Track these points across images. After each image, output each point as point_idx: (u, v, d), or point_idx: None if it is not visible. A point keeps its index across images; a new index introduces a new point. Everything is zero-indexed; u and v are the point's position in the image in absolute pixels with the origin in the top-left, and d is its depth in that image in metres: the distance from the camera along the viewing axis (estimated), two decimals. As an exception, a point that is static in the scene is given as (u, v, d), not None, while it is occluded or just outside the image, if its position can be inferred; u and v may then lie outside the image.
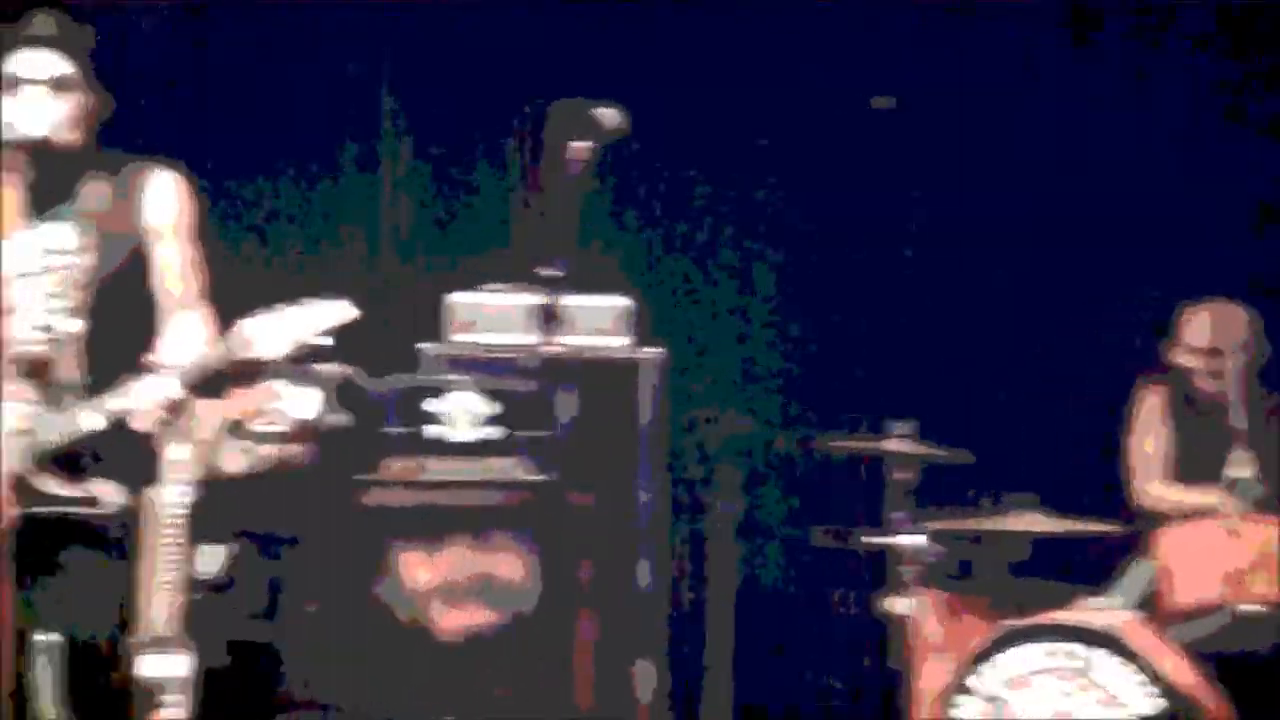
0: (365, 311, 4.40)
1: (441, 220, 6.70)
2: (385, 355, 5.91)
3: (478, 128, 6.64)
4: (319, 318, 4.37)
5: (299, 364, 4.58)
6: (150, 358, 4.42)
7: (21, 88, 4.47)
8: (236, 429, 5.55)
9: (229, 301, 4.59)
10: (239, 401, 5.55)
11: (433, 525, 5.63)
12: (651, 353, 6.03)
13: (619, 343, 6.03)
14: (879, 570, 5.77)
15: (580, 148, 4.29)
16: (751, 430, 6.30)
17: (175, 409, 4.44)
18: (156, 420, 4.43)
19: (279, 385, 5.57)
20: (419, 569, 5.66)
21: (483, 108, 6.59)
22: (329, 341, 4.37)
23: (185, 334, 4.50)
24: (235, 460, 5.55)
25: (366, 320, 4.43)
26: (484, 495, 5.70)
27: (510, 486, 5.73)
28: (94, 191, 4.55)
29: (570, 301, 5.85)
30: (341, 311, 4.38)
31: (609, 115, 4.32)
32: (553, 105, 4.26)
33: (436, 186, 6.70)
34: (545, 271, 4.17)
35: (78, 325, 4.51)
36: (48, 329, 4.50)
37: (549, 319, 4.21)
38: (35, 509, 4.38)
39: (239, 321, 4.40)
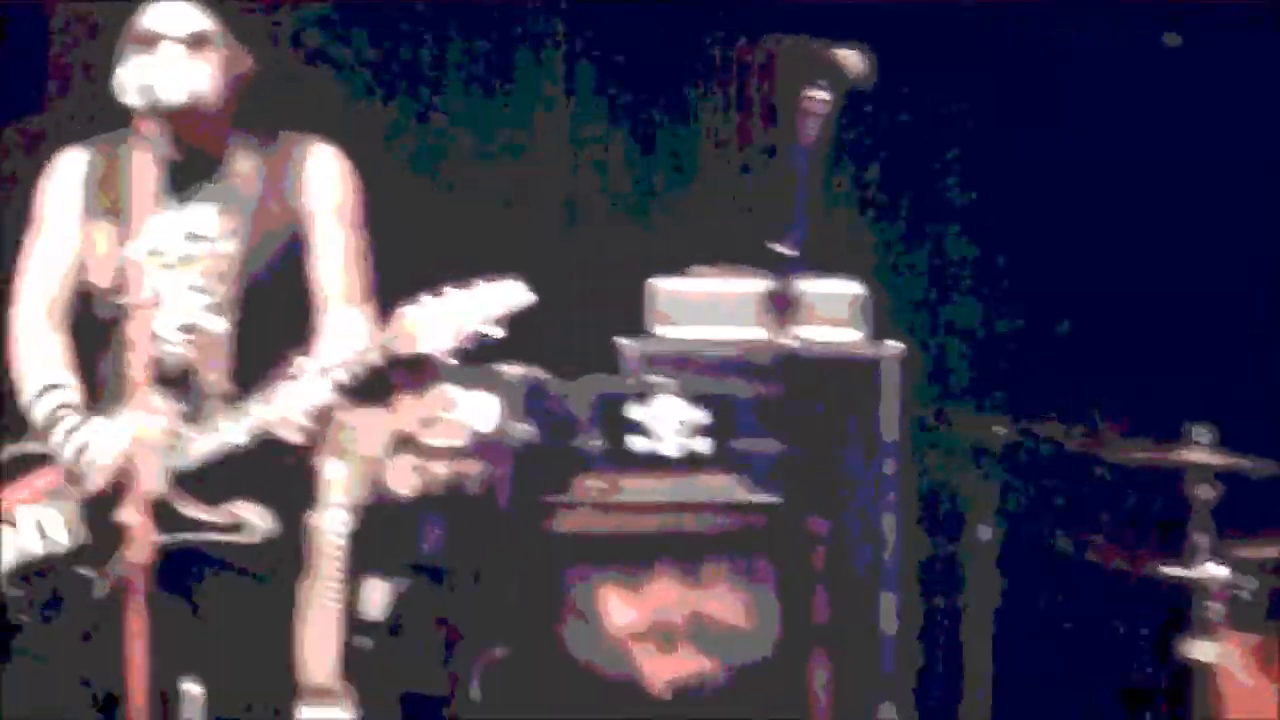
0: (547, 297, 4.38)
1: (635, 190, 6.62)
2: (576, 352, 5.92)
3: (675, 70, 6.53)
4: (488, 302, 4.35)
5: (476, 364, 4.52)
6: (302, 360, 4.43)
7: (156, 46, 4.51)
8: (404, 443, 5.55)
9: (391, 287, 4.59)
10: (407, 411, 5.55)
11: (635, 555, 5.60)
12: (894, 348, 5.93)
13: (853, 336, 5.96)
14: (1175, 606, 5.60)
15: (817, 97, 4.14)
16: (1009, 435, 6.13)
17: (330, 419, 4.46)
18: (310, 432, 4.45)
19: (452, 391, 5.55)
20: (619, 607, 5.61)
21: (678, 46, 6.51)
22: (499, 332, 4.33)
23: (346, 334, 4.51)
24: (403, 479, 5.54)
25: (550, 308, 4.42)
26: (695, 520, 5.62)
27: (726, 509, 5.64)
28: (242, 168, 4.59)
29: (799, 287, 5.99)
30: (513, 294, 4.35)
31: (852, 58, 4.19)
32: (782, 44, 4.13)
33: (626, 147, 6.62)
34: (777, 248, 4.04)
35: (223, 323, 4.55)
36: (189, 328, 4.55)
37: (777, 308, 4.08)
38: (174, 536, 4.43)
39: (399, 309, 4.38)
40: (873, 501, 5.85)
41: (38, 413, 4.57)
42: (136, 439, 4.34)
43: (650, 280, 6.01)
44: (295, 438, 4.45)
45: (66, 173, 4.67)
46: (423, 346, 4.35)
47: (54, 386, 4.59)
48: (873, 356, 5.92)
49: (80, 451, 4.49)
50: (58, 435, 4.52)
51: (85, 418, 4.53)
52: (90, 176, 4.64)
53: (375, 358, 4.40)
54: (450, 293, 4.36)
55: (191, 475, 4.48)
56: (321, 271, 4.60)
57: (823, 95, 4.16)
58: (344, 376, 4.42)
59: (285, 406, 4.42)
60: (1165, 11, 6.26)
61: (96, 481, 4.48)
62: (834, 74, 4.16)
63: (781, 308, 4.05)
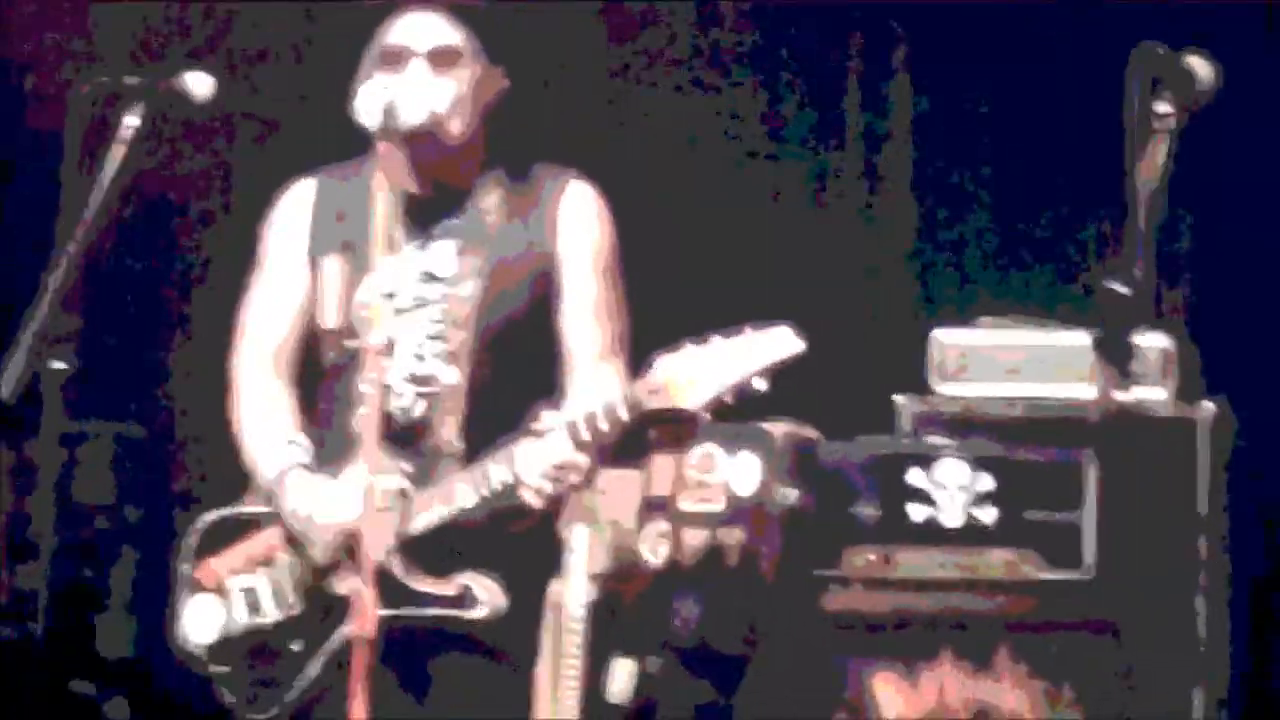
0: (819, 347, 4.04)
1: (927, 228, 6.25)
2: (848, 410, 5.67)
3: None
4: (756, 353, 4.00)
5: (739, 421, 4.16)
6: (546, 415, 4.13)
7: (401, 62, 4.24)
8: (657, 508, 5.30)
9: (647, 337, 4.28)
10: (660, 473, 5.24)
11: (915, 638, 5.33)
12: (1209, 409, 5.60)
13: (1160, 395, 5.63)
14: None
15: (1164, 112, 3.70)
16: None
17: (575, 481, 4.12)
18: (552, 497, 4.13)
19: (712, 450, 5.21)
20: (897, 696, 5.27)
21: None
22: (766, 385, 3.99)
23: (595, 391, 4.20)
24: (656, 549, 5.23)
25: (821, 359, 4.07)
26: (981, 600, 5.26)
27: (1016, 589, 5.27)
28: (489, 202, 4.30)
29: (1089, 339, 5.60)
30: (785, 343, 4.00)
31: (1203, 68, 3.74)
32: (1136, 50, 3.70)
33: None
34: (1111, 284, 3.62)
35: (458, 375, 4.25)
36: (423, 379, 4.26)
37: (1109, 358, 3.66)
38: (401, 611, 4.15)
39: (654, 359, 4.06)
40: (1185, 585, 5.38)
41: (264, 473, 4.30)
42: (364, 502, 4.01)
43: (934, 331, 5.75)
44: (536, 502, 4.11)
45: (294, 206, 4.41)
46: (681, 401, 4.01)
47: (282, 443, 4.31)
48: (1186, 418, 5.55)
49: (307, 519, 4.19)
50: (285, 498, 4.23)
51: (313, 479, 4.24)
52: (321, 208, 4.37)
53: (627, 413, 4.07)
54: (714, 340, 4.02)
55: (420, 543, 4.18)
56: (570, 322, 4.30)
57: (1168, 109, 3.71)
58: (591, 434, 4.09)
59: (526, 467, 4.10)
60: None
61: (320, 550, 4.20)
62: (1182, 85, 3.71)
63: (1114, 358, 3.60)
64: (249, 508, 4.35)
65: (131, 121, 4.12)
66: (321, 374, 4.34)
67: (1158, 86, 3.68)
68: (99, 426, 6.40)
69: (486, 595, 4.17)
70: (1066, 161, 6.25)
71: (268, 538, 4.28)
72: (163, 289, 5.98)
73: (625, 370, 4.28)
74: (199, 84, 4.16)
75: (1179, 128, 3.70)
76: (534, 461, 4.11)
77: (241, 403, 4.39)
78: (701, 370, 4.00)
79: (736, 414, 4.18)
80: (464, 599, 4.16)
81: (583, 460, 4.11)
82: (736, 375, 3.99)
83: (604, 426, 4.08)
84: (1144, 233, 3.65)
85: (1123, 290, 3.60)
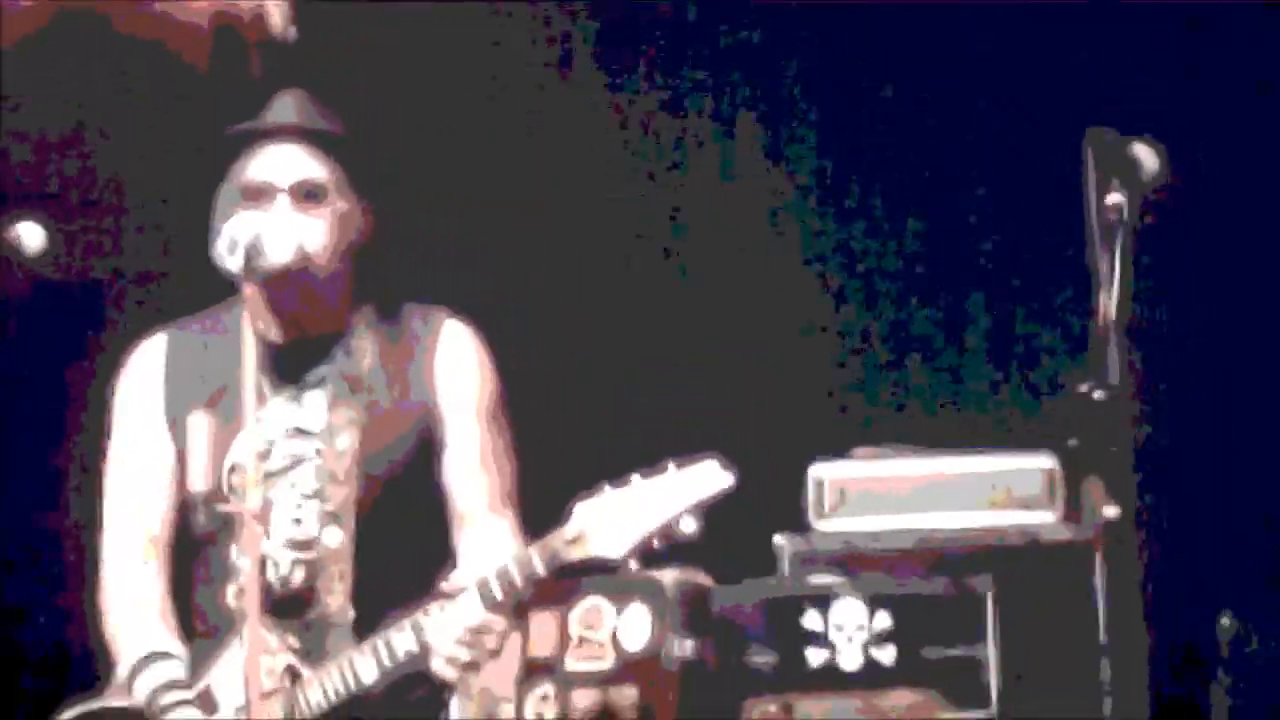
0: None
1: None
2: (728, 551, 5.08)
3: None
4: (682, 491, 3.76)
5: (630, 568, 3.85)
6: (456, 575, 3.85)
7: (263, 198, 3.93)
8: (539, 670, 4.95)
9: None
10: (542, 631, 4.91)
11: None
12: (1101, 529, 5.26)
13: (1049, 518, 5.39)
14: None
15: (1114, 202, 3.52)
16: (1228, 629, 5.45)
17: (491, 645, 3.84)
18: (466, 664, 3.84)
19: (598, 603, 4.90)
20: None
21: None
22: (694, 526, 3.76)
23: (490, 548, 3.92)
24: (541, 715, 4.87)
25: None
26: (886, 745, 4.99)
27: (920, 730, 5.02)
28: (360, 347, 4.00)
29: (978, 465, 5.43)
30: (712, 478, 3.77)
31: (1148, 157, 3.56)
32: (1089, 133, 3.51)
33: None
34: (1086, 391, 3.40)
35: (342, 536, 3.93)
36: (302, 544, 3.95)
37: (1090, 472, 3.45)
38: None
39: (571, 506, 3.79)
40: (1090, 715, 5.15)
41: (138, 691, 3.93)
42: (249, 688, 3.65)
43: (812, 466, 5.46)
44: (449, 673, 3.80)
45: (145, 365, 4.06)
46: (603, 550, 3.76)
47: (156, 656, 3.95)
48: (1080, 540, 5.27)
49: None
50: None
51: (197, 699, 3.89)
52: (176, 364, 4.05)
53: (544, 567, 3.78)
54: (635, 481, 3.76)
55: None
56: (456, 476, 4.01)
57: (1118, 199, 3.52)
58: (506, 593, 3.80)
59: (437, 634, 3.77)
60: None
61: None
62: (1131, 173, 3.52)
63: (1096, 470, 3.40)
64: (115, 700, 3.95)
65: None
66: (191, 544, 3.97)
67: (1108, 177, 3.50)
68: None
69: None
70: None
71: None
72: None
73: (518, 523, 4.02)
74: (30, 235, 3.86)
75: (1132, 219, 3.51)
76: (446, 628, 3.79)
77: (109, 603, 4.03)
78: (624, 514, 3.75)
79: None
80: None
81: (497, 622, 3.81)
82: (662, 517, 3.75)
83: (519, 583, 3.78)
84: (1115, 330, 3.44)
85: (1098, 396, 3.38)
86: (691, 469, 3.75)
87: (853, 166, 6.11)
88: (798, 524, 5.42)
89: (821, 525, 5.43)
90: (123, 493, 4.02)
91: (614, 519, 3.74)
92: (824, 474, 5.47)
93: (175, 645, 3.94)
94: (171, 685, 3.88)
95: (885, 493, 5.44)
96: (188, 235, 4.05)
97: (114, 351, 4.11)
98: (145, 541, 4.00)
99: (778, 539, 5.39)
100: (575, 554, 3.76)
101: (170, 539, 4.00)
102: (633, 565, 3.78)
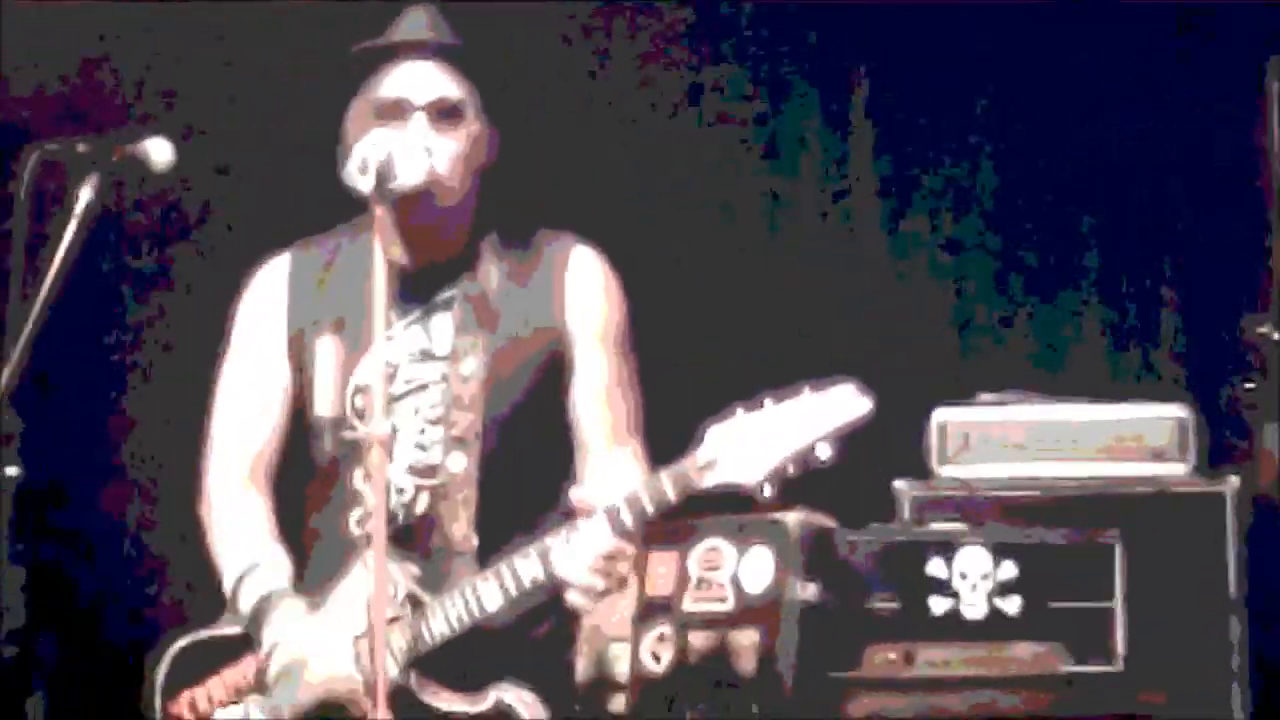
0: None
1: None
2: (849, 495, 5.04)
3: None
4: (818, 416, 3.63)
5: (764, 495, 3.72)
6: (580, 499, 3.72)
7: (399, 116, 3.82)
8: (656, 609, 4.74)
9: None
10: (660, 570, 4.77)
11: None
12: (1234, 482, 5.22)
13: (1180, 470, 5.26)
14: None
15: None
16: None
17: (624, 573, 3.77)
18: (600, 593, 3.74)
19: (718, 544, 4.75)
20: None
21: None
22: (829, 454, 3.62)
23: (614, 478, 3.81)
24: (658, 655, 4.75)
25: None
26: (1010, 696, 4.82)
27: (1039, 684, 4.86)
28: (487, 273, 3.90)
29: (1108, 413, 5.30)
30: (849, 403, 3.64)
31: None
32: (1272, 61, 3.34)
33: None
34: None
35: (466, 462, 3.82)
36: (427, 470, 3.84)
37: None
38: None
39: (702, 430, 3.65)
40: (1218, 672, 5.07)
41: (240, 603, 3.85)
42: (375, 612, 3.56)
43: (935, 410, 5.34)
44: (584, 601, 3.72)
45: (268, 285, 3.99)
46: (736, 476, 3.62)
47: (260, 574, 3.86)
48: (1212, 492, 5.18)
49: (283, 673, 3.76)
50: (264, 641, 3.80)
51: (298, 622, 3.79)
52: (299, 286, 3.96)
53: (673, 492, 3.66)
54: (769, 405, 3.62)
55: (440, 656, 3.73)
56: (582, 404, 3.91)
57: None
58: (635, 520, 3.68)
59: (567, 563, 3.67)
60: None
61: (297, 707, 3.77)
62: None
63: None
64: (225, 628, 3.86)
65: (85, 194, 3.69)
66: (308, 473, 3.87)
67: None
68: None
69: (525, 710, 3.73)
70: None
71: (256, 661, 3.82)
72: (122, 382, 5.47)
73: (644, 453, 3.92)
74: (159, 150, 3.75)
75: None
76: (575, 555, 3.68)
77: (214, 516, 3.96)
78: (757, 440, 3.62)
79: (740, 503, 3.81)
80: (502, 716, 3.71)
81: (629, 550, 3.72)
82: (798, 442, 3.62)
83: (650, 509, 3.67)
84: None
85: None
86: (828, 392, 3.62)
87: (988, 106, 5.99)
88: (918, 470, 5.31)
89: (944, 471, 5.32)
90: (233, 410, 3.94)
91: (747, 444, 3.61)
92: (946, 418, 5.36)
93: (281, 555, 3.86)
94: (279, 593, 3.80)
95: (1010, 439, 5.32)
96: (315, 154, 3.95)
97: (238, 271, 4.02)
98: (253, 460, 3.92)
99: (897, 484, 5.30)
100: (708, 480, 3.63)
101: (277, 463, 3.92)
102: (767, 492, 3.64)
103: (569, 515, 3.71)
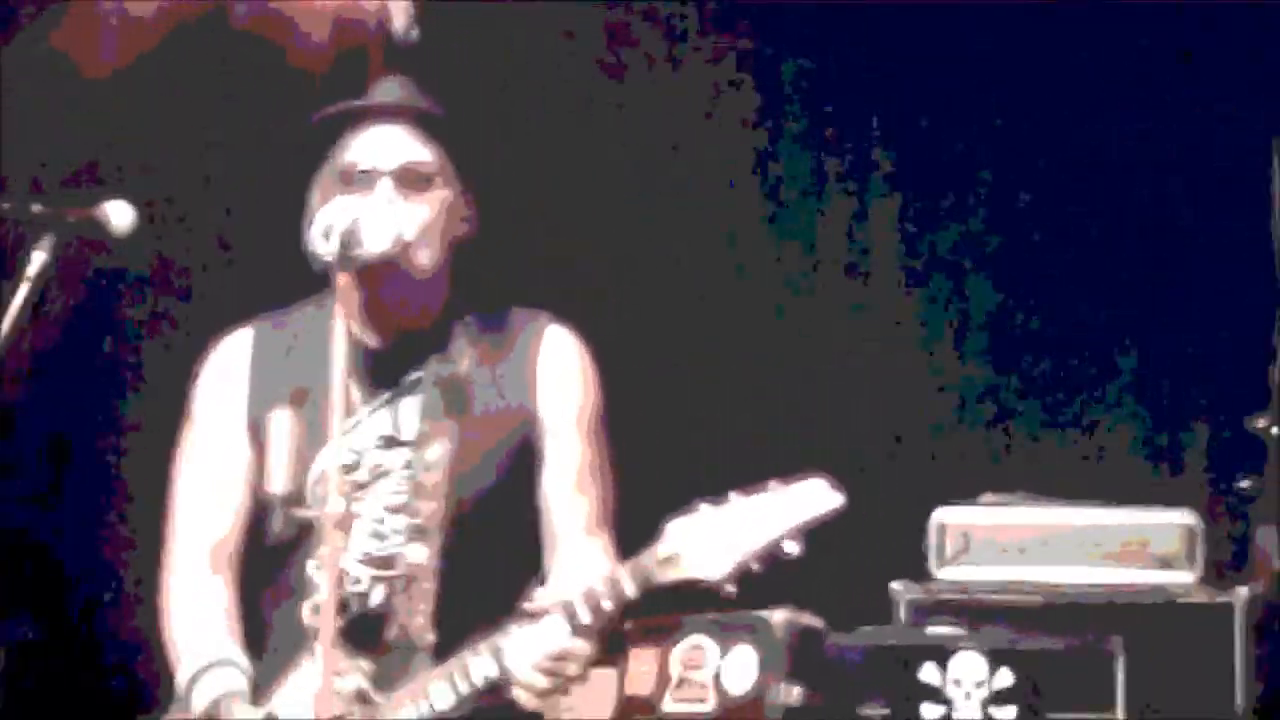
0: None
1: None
2: (841, 597, 5.05)
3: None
4: (785, 510, 3.47)
5: (728, 593, 3.55)
6: (540, 594, 3.57)
7: (363, 183, 3.67)
8: (637, 710, 4.70)
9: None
10: (640, 669, 4.64)
11: None
12: (1243, 594, 5.12)
13: (1187, 578, 5.17)
14: None
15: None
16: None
17: (573, 673, 3.55)
18: (546, 692, 3.54)
19: (701, 642, 4.61)
20: None
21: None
22: (797, 549, 3.47)
23: (583, 571, 3.63)
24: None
25: (812, 542, 3.54)
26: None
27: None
28: (458, 352, 3.72)
29: (1115, 518, 5.21)
30: (819, 497, 3.47)
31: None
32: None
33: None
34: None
35: (427, 553, 3.64)
36: (383, 561, 3.66)
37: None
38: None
39: (664, 525, 3.50)
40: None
41: (194, 702, 3.64)
42: (318, 710, 3.41)
43: (936, 511, 5.26)
44: (529, 701, 3.54)
45: (230, 360, 3.81)
46: (698, 571, 3.46)
47: (218, 664, 3.66)
48: (1220, 603, 5.08)
49: None
50: None
51: (256, 711, 3.60)
52: (261, 362, 3.78)
53: (632, 588, 3.49)
54: (734, 499, 3.47)
55: None
56: (553, 493, 3.73)
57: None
58: (593, 616, 3.50)
59: (516, 658, 3.50)
60: None
61: None
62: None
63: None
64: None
65: (38, 257, 3.54)
66: (264, 553, 3.70)
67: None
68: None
69: (472, 817, 3.53)
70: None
71: None
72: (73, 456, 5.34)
73: (612, 545, 3.73)
74: (119, 214, 3.58)
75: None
76: (526, 651, 3.50)
77: (172, 606, 3.75)
78: (721, 534, 3.45)
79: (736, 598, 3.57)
80: (447, 821, 3.53)
81: (581, 648, 3.52)
82: (764, 537, 3.45)
83: (607, 606, 3.49)
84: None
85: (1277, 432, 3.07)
86: (796, 487, 3.46)
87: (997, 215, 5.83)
88: (917, 571, 5.21)
89: (943, 573, 5.22)
90: (194, 495, 3.76)
91: (711, 538, 3.45)
92: (947, 519, 5.27)
93: (239, 655, 3.67)
94: (232, 694, 3.60)
95: (1012, 542, 5.22)
96: (281, 225, 3.80)
97: (197, 345, 3.85)
98: (214, 548, 3.73)
99: (895, 585, 5.19)
100: (669, 575, 3.47)
101: (241, 548, 3.73)
102: (730, 590, 3.47)
103: (524, 612, 3.53)
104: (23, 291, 3.52)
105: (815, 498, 3.45)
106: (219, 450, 3.74)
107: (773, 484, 3.47)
